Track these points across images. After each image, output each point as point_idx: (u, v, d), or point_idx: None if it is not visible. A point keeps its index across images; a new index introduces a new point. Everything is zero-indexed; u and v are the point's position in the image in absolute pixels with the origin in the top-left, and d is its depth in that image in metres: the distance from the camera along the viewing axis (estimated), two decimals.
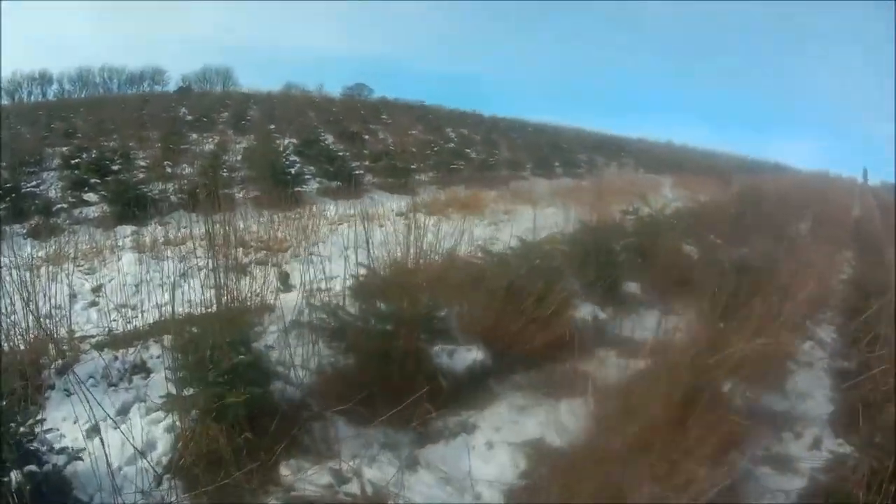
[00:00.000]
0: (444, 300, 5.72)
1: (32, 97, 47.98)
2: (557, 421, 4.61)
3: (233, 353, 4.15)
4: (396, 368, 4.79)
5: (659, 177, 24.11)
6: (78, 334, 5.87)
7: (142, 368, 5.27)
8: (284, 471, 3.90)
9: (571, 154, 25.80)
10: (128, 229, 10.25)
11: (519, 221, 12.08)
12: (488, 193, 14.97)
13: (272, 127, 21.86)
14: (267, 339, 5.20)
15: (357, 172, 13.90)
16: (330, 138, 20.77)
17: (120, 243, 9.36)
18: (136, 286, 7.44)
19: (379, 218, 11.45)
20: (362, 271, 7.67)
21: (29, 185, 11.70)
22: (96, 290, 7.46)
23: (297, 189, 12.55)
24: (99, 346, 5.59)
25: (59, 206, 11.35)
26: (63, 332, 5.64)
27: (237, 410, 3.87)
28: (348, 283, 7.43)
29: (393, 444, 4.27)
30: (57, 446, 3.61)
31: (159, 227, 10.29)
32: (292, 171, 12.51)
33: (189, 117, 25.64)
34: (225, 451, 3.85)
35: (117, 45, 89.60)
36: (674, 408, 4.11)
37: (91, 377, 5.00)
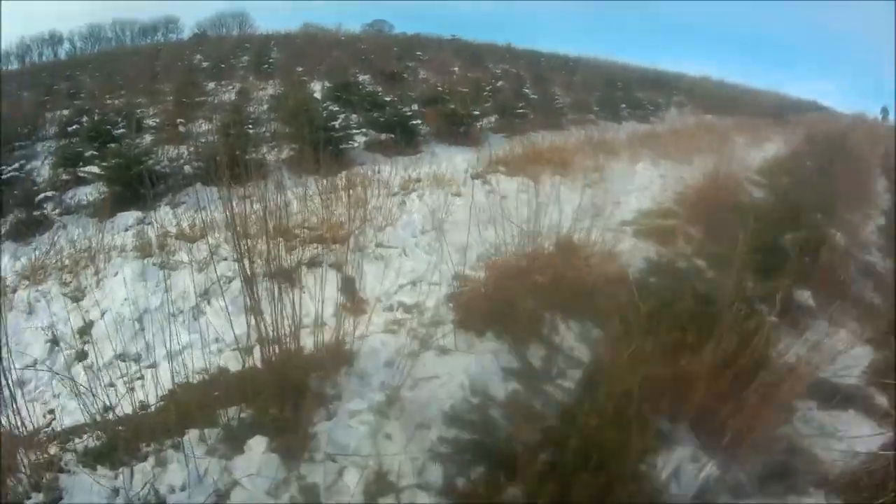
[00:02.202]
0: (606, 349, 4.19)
1: (44, 58, 45.82)
2: None
3: None
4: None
5: (718, 119, 22.03)
6: (57, 425, 3.99)
7: None
8: None
9: (628, 93, 22.78)
10: (131, 216, 7.84)
11: (616, 182, 9.67)
12: (564, 144, 12.30)
13: (299, 69, 19.09)
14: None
15: (414, 122, 11.18)
16: (366, 79, 18.06)
17: (119, 241, 6.96)
18: (139, 320, 5.11)
19: (451, 182, 8.95)
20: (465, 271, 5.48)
21: (11, 166, 9.17)
22: (84, 330, 5.13)
23: (343, 146, 9.97)
24: (89, 459, 3.47)
25: (47, 192, 8.82)
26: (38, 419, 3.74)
27: None
28: (443, 290, 5.53)
29: None
30: None
31: (171, 211, 7.88)
32: (336, 123, 9.85)
33: (205, 64, 22.93)
34: None
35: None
36: None
37: None
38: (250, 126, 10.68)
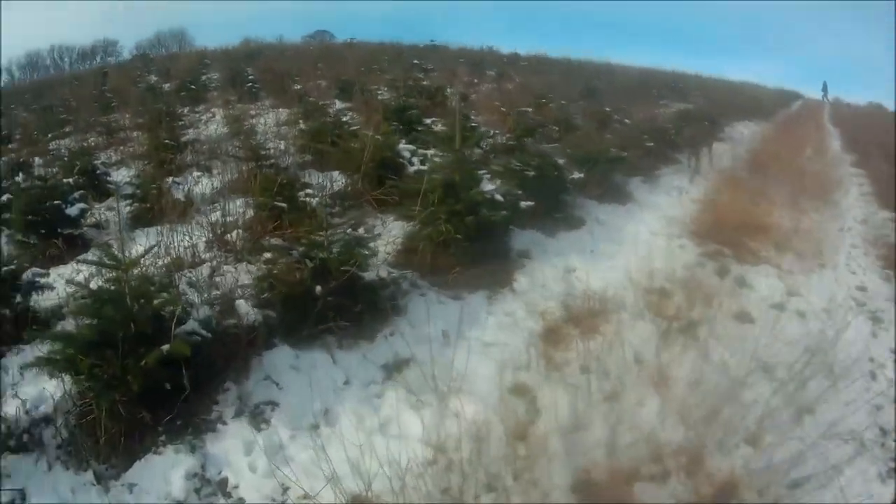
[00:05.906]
0: None
1: None
2: None
3: None
4: None
5: (756, 125, 19.23)
6: None
7: None
8: None
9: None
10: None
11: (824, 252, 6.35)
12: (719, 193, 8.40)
13: (296, 87, 14.64)
14: None
15: (572, 177, 6.83)
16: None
17: None
18: None
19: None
20: None
21: None
22: None
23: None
24: None
25: None
26: None
27: None
28: None
29: None
30: None
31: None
32: (493, 190, 5.44)
33: (166, 86, 18.07)
34: None
35: (67, 25, 79.27)
36: None
37: None
38: (283, 183, 6.14)
